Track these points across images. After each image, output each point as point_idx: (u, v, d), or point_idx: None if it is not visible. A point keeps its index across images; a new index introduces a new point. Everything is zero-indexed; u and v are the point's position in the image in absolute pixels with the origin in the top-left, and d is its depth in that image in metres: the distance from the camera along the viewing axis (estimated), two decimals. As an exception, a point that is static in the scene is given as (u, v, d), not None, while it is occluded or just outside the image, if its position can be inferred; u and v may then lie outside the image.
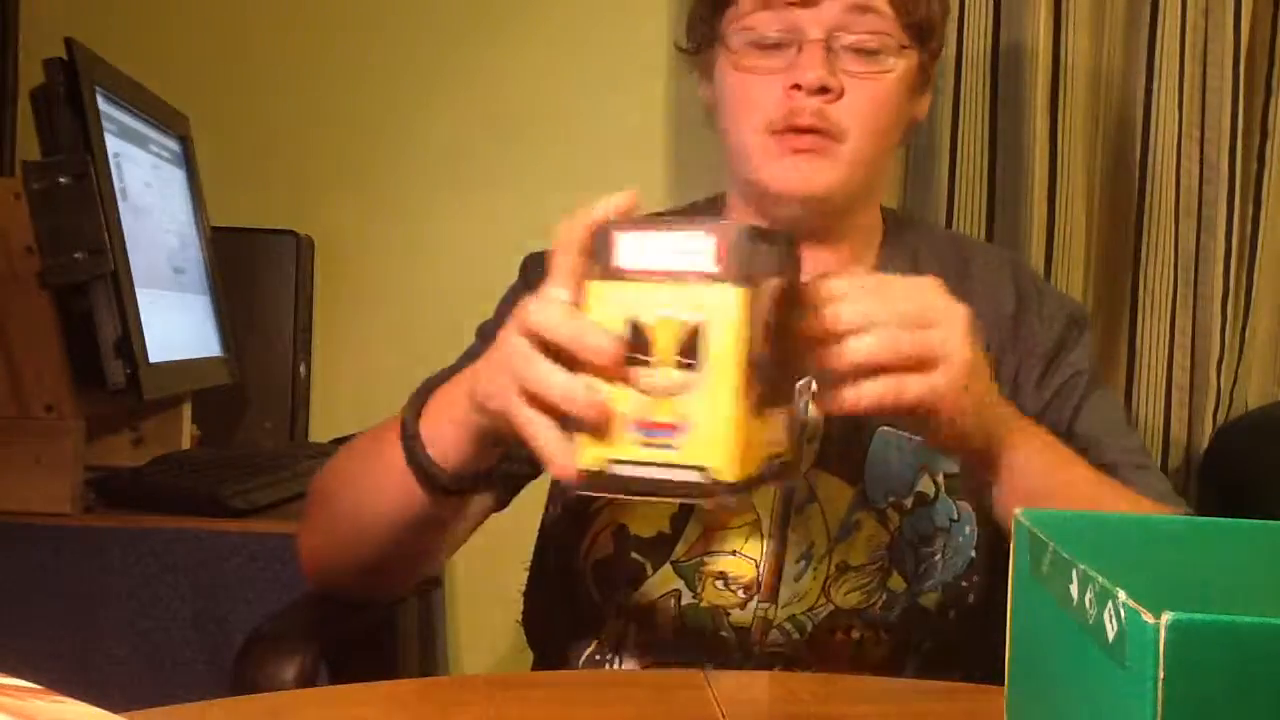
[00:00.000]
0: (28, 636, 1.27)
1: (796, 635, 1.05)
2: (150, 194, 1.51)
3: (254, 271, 1.79)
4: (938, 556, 1.06)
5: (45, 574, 1.29)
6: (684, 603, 1.05)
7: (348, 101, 1.90)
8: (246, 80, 1.89)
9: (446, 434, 0.85)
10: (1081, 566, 0.49)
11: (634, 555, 1.06)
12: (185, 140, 1.71)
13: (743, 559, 1.04)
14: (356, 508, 0.95)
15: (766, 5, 1.02)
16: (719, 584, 1.05)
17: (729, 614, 1.05)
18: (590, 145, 1.90)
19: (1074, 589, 0.49)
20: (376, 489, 0.92)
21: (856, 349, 0.78)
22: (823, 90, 1.00)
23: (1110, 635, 0.45)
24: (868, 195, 1.11)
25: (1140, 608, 0.43)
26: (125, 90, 1.45)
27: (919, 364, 0.79)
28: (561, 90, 1.90)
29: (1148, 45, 1.74)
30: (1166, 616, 0.42)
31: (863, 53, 1.02)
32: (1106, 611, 0.45)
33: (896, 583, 1.05)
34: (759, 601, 1.05)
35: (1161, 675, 0.42)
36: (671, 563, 1.05)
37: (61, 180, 1.26)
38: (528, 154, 1.90)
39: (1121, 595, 0.44)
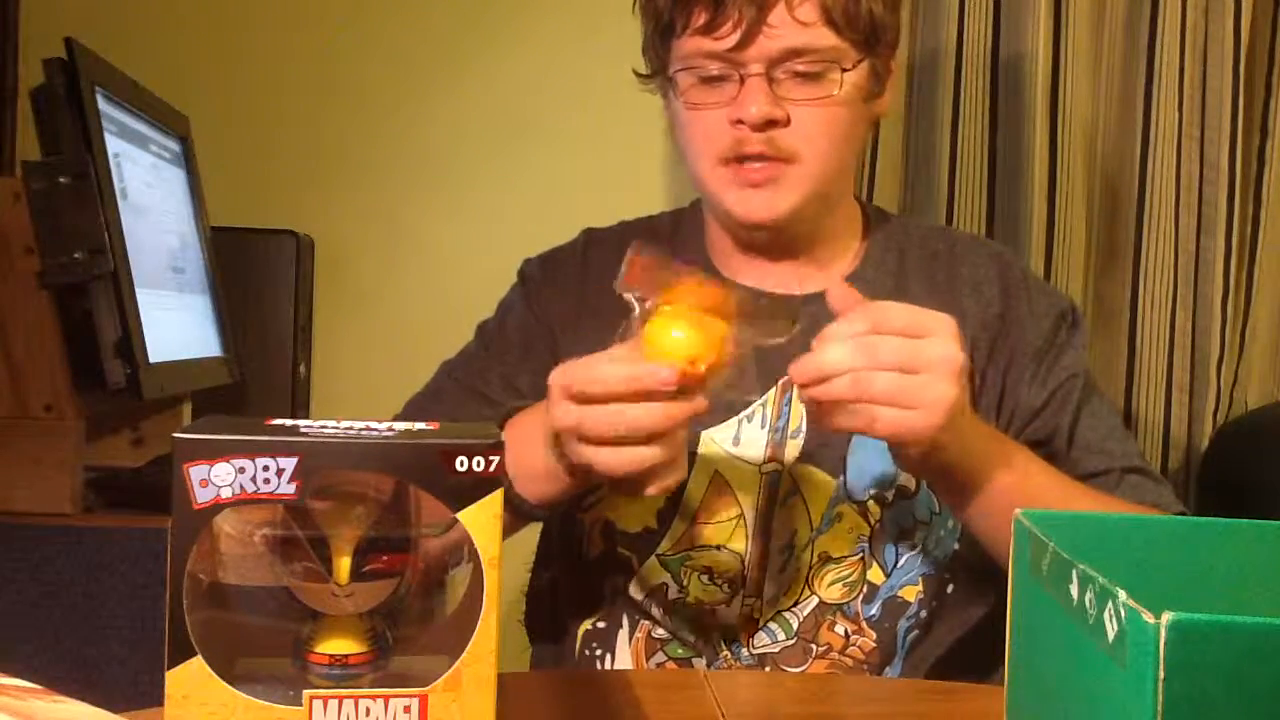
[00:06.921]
0: (28, 636, 1.27)
1: (783, 635, 1.05)
2: (150, 194, 1.51)
3: (254, 271, 1.79)
4: (918, 549, 1.07)
5: (45, 574, 1.28)
6: (671, 597, 1.06)
7: (347, 102, 1.90)
8: (246, 80, 1.89)
9: (535, 483, 0.95)
10: (1081, 566, 0.49)
11: (621, 550, 1.08)
12: (185, 140, 1.71)
13: (727, 553, 1.05)
14: None
15: (708, 51, 1.01)
16: (704, 579, 1.06)
17: (715, 612, 1.06)
18: (589, 147, 1.90)
19: (1074, 589, 0.49)
20: None
21: (828, 390, 0.84)
22: (768, 123, 1.00)
23: (1110, 635, 0.45)
24: (833, 200, 1.10)
25: (1140, 608, 0.43)
26: (125, 90, 1.45)
27: (894, 403, 0.84)
28: (561, 92, 1.90)
29: (1148, 45, 1.74)
30: (1166, 616, 0.42)
31: (806, 77, 1.01)
32: (1106, 611, 0.45)
33: (876, 575, 1.06)
34: (745, 597, 1.05)
35: (1161, 675, 0.42)
36: (657, 556, 1.07)
37: (61, 180, 1.26)
38: (527, 155, 1.90)
39: (1121, 595, 0.44)
